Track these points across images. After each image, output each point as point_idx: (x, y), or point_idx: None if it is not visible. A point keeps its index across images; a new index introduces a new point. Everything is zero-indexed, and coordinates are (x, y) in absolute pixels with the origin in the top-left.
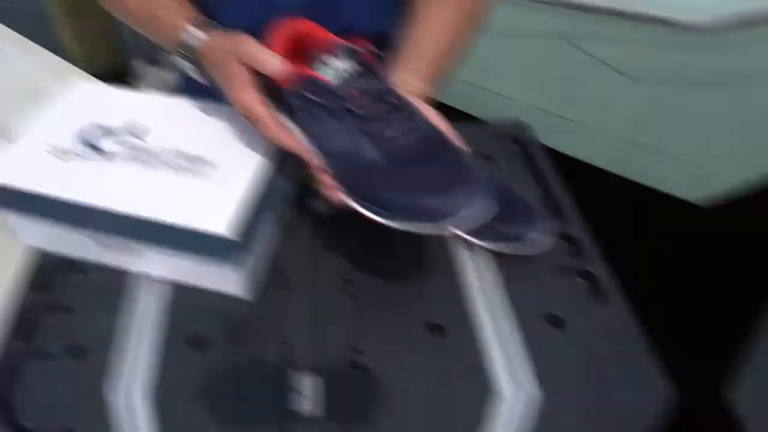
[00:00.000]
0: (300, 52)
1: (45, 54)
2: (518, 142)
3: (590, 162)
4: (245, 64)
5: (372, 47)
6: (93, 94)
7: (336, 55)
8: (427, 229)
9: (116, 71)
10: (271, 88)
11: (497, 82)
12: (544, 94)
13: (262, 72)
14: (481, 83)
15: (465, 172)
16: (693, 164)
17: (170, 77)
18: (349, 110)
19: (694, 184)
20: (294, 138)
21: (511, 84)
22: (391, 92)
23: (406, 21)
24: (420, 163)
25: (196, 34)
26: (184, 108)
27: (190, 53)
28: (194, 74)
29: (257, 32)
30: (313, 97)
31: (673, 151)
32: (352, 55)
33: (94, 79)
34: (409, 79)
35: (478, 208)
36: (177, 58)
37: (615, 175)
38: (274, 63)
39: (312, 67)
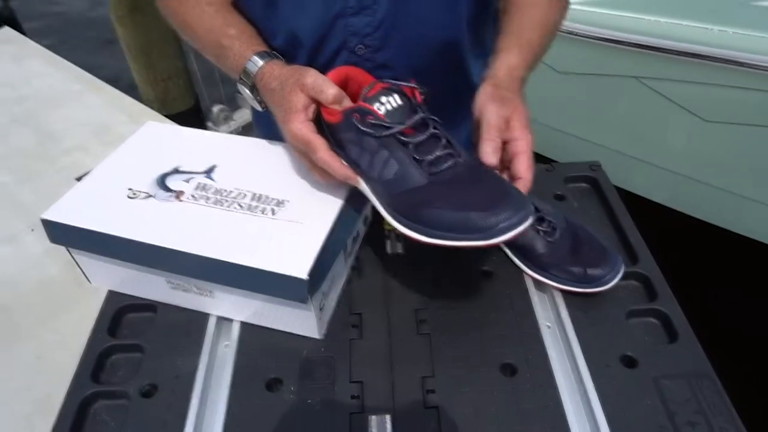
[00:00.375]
0: (348, 93)
1: (118, 95)
2: (590, 183)
3: (660, 202)
4: (306, 94)
5: (416, 84)
6: (167, 135)
7: (384, 93)
8: (466, 243)
9: (189, 112)
10: (321, 124)
11: (570, 122)
12: (616, 134)
13: (322, 101)
14: (554, 124)
15: (504, 190)
16: (764, 205)
17: (242, 118)
18: (397, 139)
19: (766, 224)
20: (345, 166)
21: (583, 124)
22: (431, 122)
23: (502, 16)
24: (460, 184)
25: (257, 63)
26: (256, 148)
27: (250, 80)
28: (252, 101)
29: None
30: (366, 129)
31: (744, 192)
32: (399, 92)
33: (168, 120)
34: (512, 64)
35: (516, 220)
36: (239, 84)
37: (684, 215)
38: (336, 93)
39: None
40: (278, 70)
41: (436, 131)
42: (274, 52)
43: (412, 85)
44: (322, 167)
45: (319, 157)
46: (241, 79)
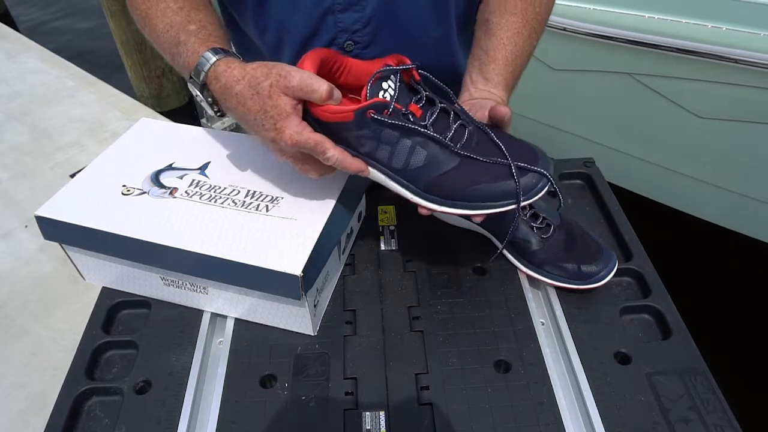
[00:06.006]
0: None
1: (112, 91)
2: (584, 179)
3: (654, 198)
4: (291, 96)
5: (406, 60)
6: (161, 131)
7: (382, 80)
8: (506, 208)
9: (183, 108)
10: (317, 125)
11: (564, 119)
12: (610, 130)
13: (315, 101)
14: (547, 121)
15: (528, 152)
16: (757, 201)
17: None
18: (414, 124)
19: (759, 221)
20: (357, 158)
21: (577, 121)
22: (435, 98)
23: (477, 30)
24: (487, 153)
25: (209, 59)
26: (250, 145)
27: (200, 78)
28: (203, 103)
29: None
30: (386, 120)
31: (737, 188)
32: (395, 74)
33: (162, 116)
34: (492, 89)
35: (549, 176)
36: (189, 84)
37: (677, 211)
38: (328, 89)
39: (368, 94)
40: (239, 70)
41: (443, 105)
42: (232, 51)
43: (408, 65)
44: (334, 165)
45: (331, 156)
46: (191, 78)
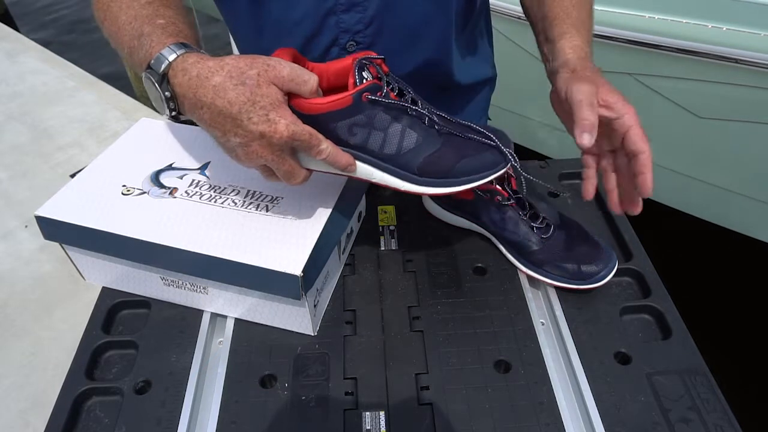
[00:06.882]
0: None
1: (112, 91)
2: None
3: (653, 198)
4: (279, 87)
5: (373, 54)
6: (161, 131)
7: (360, 69)
8: (495, 174)
9: None
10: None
11: None
12: None
13: (305, 92)
14: (548, 121)
15: (486, 128)
16: (757, 201)
17: None
18: (407, 103)
19: (759, 221)
20: (350, 155)
21: None
22: (403, 88)
23: (530, 13)
24: (458, 132)
25: (175, 50)
26: None
27: (162, 68)
28: (158, 100)
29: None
30: (382, 101)
31: (737, 188)
32: (367, 65)
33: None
34: (563, 44)
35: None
36: (144, 78)
37: (678, 211)
38: (317, 80)
39: (356, 81)
40: (214, 62)
41: (411, 94)
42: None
43: (374, 56)
44: (326, 158)
45: (324, 148)
46: (150, 68)
